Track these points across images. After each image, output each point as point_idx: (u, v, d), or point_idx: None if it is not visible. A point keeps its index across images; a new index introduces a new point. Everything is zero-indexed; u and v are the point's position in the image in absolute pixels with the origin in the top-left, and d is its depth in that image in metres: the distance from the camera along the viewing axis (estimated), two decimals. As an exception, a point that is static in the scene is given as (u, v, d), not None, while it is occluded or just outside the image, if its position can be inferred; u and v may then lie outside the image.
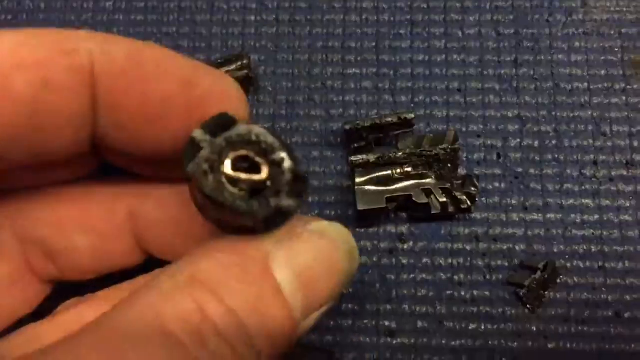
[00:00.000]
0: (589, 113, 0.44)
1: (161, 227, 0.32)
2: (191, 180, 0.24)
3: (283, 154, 0.24)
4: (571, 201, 0.42)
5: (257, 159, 0.24)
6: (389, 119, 0.41)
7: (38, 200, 0.32)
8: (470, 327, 0.40)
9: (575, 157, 0.43)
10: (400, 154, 0.41)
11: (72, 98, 0.26)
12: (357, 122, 0.42)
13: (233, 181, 0.24)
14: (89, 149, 0.29)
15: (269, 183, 0.24)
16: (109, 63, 0.26)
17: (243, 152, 0.24)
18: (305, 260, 0.26)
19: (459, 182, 0.41)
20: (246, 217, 0.24)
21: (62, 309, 0.31)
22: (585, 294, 0.41)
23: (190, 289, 0.23)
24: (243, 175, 0.24)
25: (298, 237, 0.26)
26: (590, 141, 0.43)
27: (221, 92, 0.28)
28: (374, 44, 0.46)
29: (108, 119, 0.27)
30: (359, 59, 0.46)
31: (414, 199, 0.40)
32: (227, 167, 0.24)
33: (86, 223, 0.32)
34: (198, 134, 0.25)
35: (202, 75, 0.28)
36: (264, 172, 0.24)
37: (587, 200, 0.42)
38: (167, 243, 0.32)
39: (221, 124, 0.25)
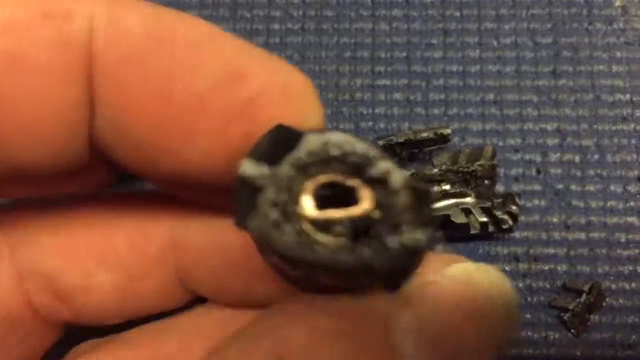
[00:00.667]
0: (632, 126, 0.42)
1: (214, 258, 0.24)
2: (257, 240, 0.17)
3: (386, 165, 0.17)
4: (615, 219, 0.40)
5: (349, 182, 0.17)
6: (424, 134, 0.40)
7: (47, 223, 0.25)
8: (512, 353, 0.38)
9: (618, 172, 0.41)
10: (436, 170, 0.40)
11: (54, 84, 0.18)
12: (390, 137, 0.40)
13: (322, 226, 0.16)
14: (89, 157, 0.21)
15: (377, 214, 0.16)
16: (117, 37, 0.18)
17: (325, 178, 0.17)
18: (445, 325, 0.18)
19: (499, 200, 0.39)
20: (356, 276, 0.16)
21: (72, 356, 0.25)
22: (632, 316, 0.39)
23: None
24: (336, 213, 0.16)
25: (431, 289, 0.18)
26: (634, 156, 0.41)
27: (282, 90, 0.19)
28: (404, 54, 0.44)
29: (108, 122, 0.19)
30: (389, 69, 0.44)
31: (452, 218, 0.38)
32: (307, 206, 0.17)
33: (109, 254, 0.25)
34: (249, 167, 0.16)
35: (254, 64, 0.19)
36: (366, 199, 0.16)
37: (632, 218, 0.40)
38: (222, 279, 0.25)
39: (281, 142, 0.17)
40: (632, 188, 0.41)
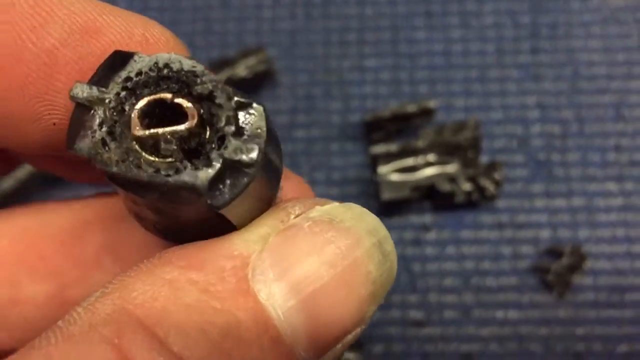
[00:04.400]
0: (609, 98, 0.44)
1: (153, 252, 0.22)
2: (91, 164, 0.16)
3: (212, 79, 0.16)
4: (595, 186, 0.42)
5: (177, 100, 0.16)
6: (410, 109, 0.41)
7: None
8: (498, 316, 0.40)
9: (597, 142, 0.43)
10: (421, 142, 0.41)
11: None
12: (378, 113, 0.42)
13: (151, 145, 0.16)
14: None
15: (208, 132, 0.16)
16: None
17: (153, 96, 0.16)
18: (309, 269, 0.16)
19: (482, 169, 0.41)
20: (184, 196, 0.16)
21: None
22: (612, 278, 0.40)
23: (113, 328, 0.15)
24: (161, 130, 0.16)
25: (295, 229, 0.17)
26: (612, 126, 0.43)
27: (142, 40, 0.19)
28: (390, 36, 0.46)
29: None
30: (375, 51, 0.46)
31: (437, 187, 0.40)
32: (134, 124, 0.16)
33: (38, 263, 0.23)
34: (78, 89, 0.16)
35: (110, 18, 0.18)
36: (193, 116, 0.16)
37: (610, 185, 0.42)
38: None
39: (115, 66, 0.17)
40: (610, 156, 0.43)
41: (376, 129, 0.42)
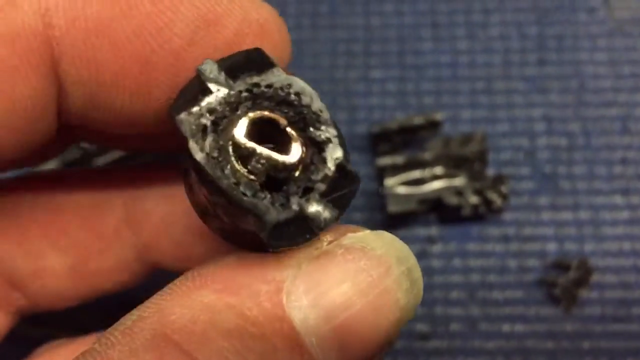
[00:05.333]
0: (615, 111, 0.44)
1: (176, 226, 0.24)
2: (183, 142, 0.16)
3: (332, 132, 0.16)
4: (601, 199, 0.42)
5: (290, 130, 0.16)
6: (417, 121, 0.41)
7: None
8: (504, 329, 0.40)
9: (603, 155, 0.43)
10: (428, 155, 0.41)
11: (8, 79, 0.17)
12: (385, 125, 0.42)
13: (243, 154, 0.16)
14: (54, 135, 0.20)
15: (298, 172, 0.16)
16: (78, 13, 0.17)
17: (270, 114, 0.16)
18: (342, 296, 0.17)
19: (489, 182, 0.41)
20: (249, 218, 0.16)
21: (35, 356, 0.24)
22: (619, 292, 0.40)
23: (155, 355, 0.15)
24: (260, 149, 0.16)
25: (328, 257, 0.17)
26: (618, 139, 0.43)
27: (259, 27, 0.19)
28: (397, 47, 0.46)
29: (82, 97, 0.18)
30: (382, 62, 0.46)
31: (444, 200, 0.40)
32: (239, 129, 0.16)
33: (60, 234, 0.24)
34: (208, 67, 0.16)
35: (227, 6, 0.18)
36: (296, 152, 0.16)
37: (616, 198, 0.42)
38: (186, 246, 0.24)
39: (249, 63, 0.17)
40: (616, 170, 0.43)
41: (383, 141, 0.42)
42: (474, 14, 0.46)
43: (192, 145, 0.16)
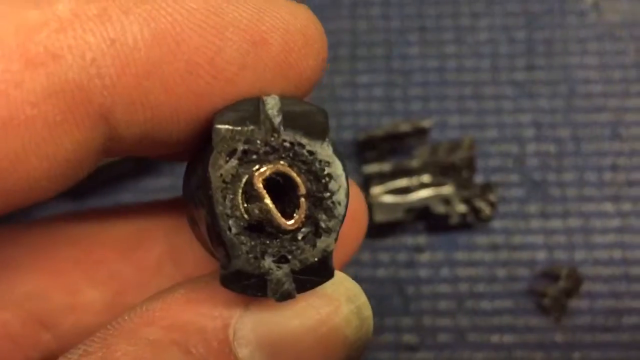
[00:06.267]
0: (605, 116, 0.43)
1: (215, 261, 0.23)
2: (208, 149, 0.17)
3: (336, 227, 0.17)
4: (591, 207, 0.41)
5: (303, 201, 0.17)
6: (403, 128, 0.41)
7: (26, 242, 0.23)
8: (493, 340, 0.39)
9: (593, 161, 0.42)
10: (415, 162, 0.40)
11: (55, 135, 0.16)
12: (371, 132, 0.41)
13: (250, 194, 0.16)
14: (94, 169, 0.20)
15: (285, 238, 0.17)
16: (125, 60, 0.16)
17: (297, 178, 0.17)
18: (286, 331, 0.17)
19: (478, 190, 0.40)
20: (220, 250, 0.17)
21: None
22: (609, 301, 0.40)
23: None
24: (268, 201, 0.16)
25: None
26: (608, 145, 0.42)
27: (302, 36, 0.18)
28: (383, 51, 0.45)
29: (134, 135, 0.18)
30: (368, 67, 0.45)
31: (432, 209, 0.39)
32: (261, 172, 0.16)
33: (99, 269, 0.23)
34: (273, 103, 0.17)
35: (272, 20, 0.18)
36: (296, 222, 0.17)
37: (607, 205, 0.41)
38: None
39: (307, 123, 0.17)
40: (606, 176, 0.42)
41: (369, 148, 0.41)
42: (462, 18, 0.46)
43: (214, 158, 0.16)
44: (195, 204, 0.18)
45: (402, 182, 0.40)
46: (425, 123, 0.41)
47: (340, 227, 0.17)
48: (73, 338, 0.23)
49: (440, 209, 0.39)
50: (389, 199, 0.39)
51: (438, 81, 0.44)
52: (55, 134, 0.16)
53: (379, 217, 0.39)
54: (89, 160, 0.18)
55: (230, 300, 0.17)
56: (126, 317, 0.17)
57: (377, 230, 0.41)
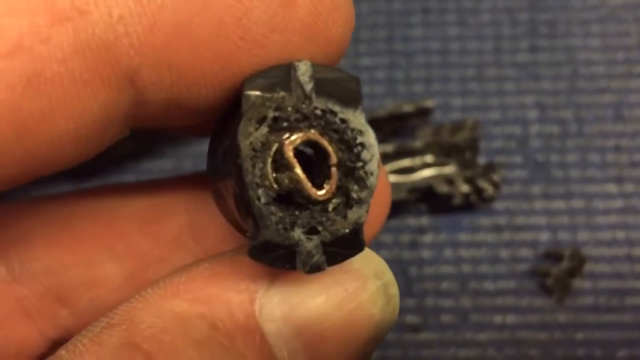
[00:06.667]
0: (608, 98, 0.43)
1: (237, 237, 0.22)
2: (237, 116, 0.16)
3: (367, 197, 0.16)
4: (594, 188, 0.41)
5: (334, 170, 0.16)
6: (406, 109, 0.40)
7: (44, 217, 0.22)
8: (496, 320, 0.39)
9: (596, 143, 0.42)
10: (418, 143, 0.40)
11: (82, 94, 0.16)
12: (374, 113, 0.41)
13: (280, 163, 0.16)
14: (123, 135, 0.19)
15: (316, 208, 0.16)
16: (153, 18, 0.16)
17: (328, 145, 0.16)
18: (313, 308, 0.17)
19: (480, 170, 0.40)
20: (249, 221, 0.17)
21: None
22: (612, 282, 0.40)
23: None
24: (298, 169, 0.16)
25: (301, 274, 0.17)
26: (611, 126, 0.42)
27: (330, 7, 0.18)
28: (386, 33, 0.45)
29: (160, 100, 0.17)
30: (371, 49, 0.45)
31: (435, 189, 0.39)
32: (292, 140, 0.16)
33: (118, 241, 0.23)
34: (305, 68, 0.16)
35: None
36: (327, 192, 0.16)
37: (610, 186, 0.41)
38: None
39: (340, 89, 0.17)
40: (609, 157, 0.42)
41: (372, 129, 0.41)
42: (465, 0, 0.46)
43: (243, 125, 0.16)
44: (222, 175, 0.18)
45: (405, 163, 0.40)
46: (428, 103, 0.40)
47: (371, 198, 0.17)
48: (91, 315, 0.22)
49: (443, 188, 0.39)
50: (392, 178, 0.39)
51: (441, 63, 0.44)
52: (83, 93, 0.16)
53: (382, 197, 0.39)
54: (114, 126, 0.17)
55: (256, 275, 0.17)
56: (150, 290, 0.17)
57: (380, 211, 0.41)
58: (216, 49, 0.17)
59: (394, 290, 0.18)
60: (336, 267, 0.17)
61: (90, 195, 0.23)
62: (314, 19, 0.18)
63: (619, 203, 0.41)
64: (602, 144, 0.42)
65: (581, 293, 0.39)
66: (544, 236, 0.41)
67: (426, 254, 0.41)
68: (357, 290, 0.17)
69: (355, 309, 0.17)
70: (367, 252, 0.18)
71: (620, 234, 0.40)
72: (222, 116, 0.19)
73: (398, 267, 0.40)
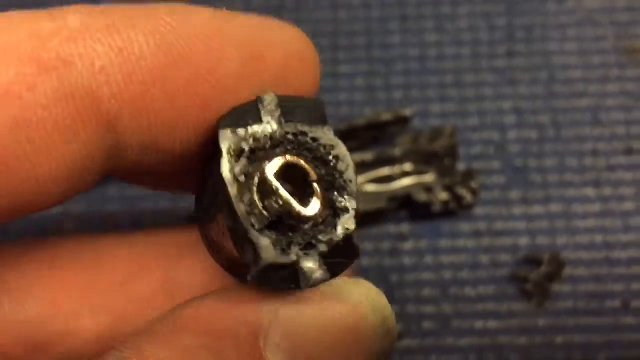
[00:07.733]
0: (586, 102, 0.43)
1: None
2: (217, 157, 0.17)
3: (352, 204, 0.17)
4: (573, 192, 0.42)
5: (316, 186, 0.17)
6: (385, 117, 0.41)
7: (18, 267, 0.23)
8: (477, 326, 0.40)
9: (574, 147, 0.42)
10: (397, 151, 0.41)
11: (63, 137, 0.17)
12: (352, 122, 0.41)
13: (265, 190, 0.17)
14: (100, 179, 0.20)
15: (307, 226, 0.17)
16: (131, 69, 0.17)
17: (305, 164, 0.17)
18: (314, 340, 0.18)
19: (459, 177, 0.40)
20: (247, 249, 0.17)
21: None
22: (591, 285, 0.40)
23: None
24: (283, 192, 0.17)
25: (306, 303, 0.18)
26: (589, 130, 0.43)
27: (299, 58, 0.20)
28: (364, 41, 0.45)
29: (134, 141, 0.19)
30: (350, 57, 0.45)
31: (414, 197, 0.39)
32: (272, 166, 0.17)
33: (97, 297, 0.23)
34: (270, 99, 0.17)
35: (269, 38, 0.19)
36: (314, 208, 0.17)
37: (588, 190, 0.42)
38: None
39: (305, 112, 0.18)
40: (587, 161, 0.42)
41: (351, 137, 0.41)
42: (443, 6, 0.46)
43: (225, 161, 0.17)
44: (211, 216, 0.18)
45: (384, 171, 0.40)
46: (407, 112, 0.41)
47: (356, 205, 0.18)
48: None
49: (422, 197, 0.40)
50: (371, 187, 0.39)
51: (419, 69, 0.44)
52: (65, 136, 0.17)
53: (362, 206, 0.39)
54: (94, 168, 0.19)
55: (260, 305, 0.18)
56: (158, 324, 0.18)
57: (361, 220, 0.41)
58: (191, 95, 0.18)
59: (393, 323, 0.20)
60: (336, 301, 0.18)
61: (73, 242, 0.24)
62: (282, 73, 0.19)
63: (597, 207, 0.41)
64: (579, 148, 0.42)
65: (561, 297, 0.40)
66: (524, 241, 0.41)
67: (407, 261, 0.41)
68: (357, 324, 0.19)
69: (356, 342, 0.18)
70: (366, 287, 0.20)
71: (599, 238, 0.41)
72: (204, 163, 0.19)
73: (379, 275, 0.41)
